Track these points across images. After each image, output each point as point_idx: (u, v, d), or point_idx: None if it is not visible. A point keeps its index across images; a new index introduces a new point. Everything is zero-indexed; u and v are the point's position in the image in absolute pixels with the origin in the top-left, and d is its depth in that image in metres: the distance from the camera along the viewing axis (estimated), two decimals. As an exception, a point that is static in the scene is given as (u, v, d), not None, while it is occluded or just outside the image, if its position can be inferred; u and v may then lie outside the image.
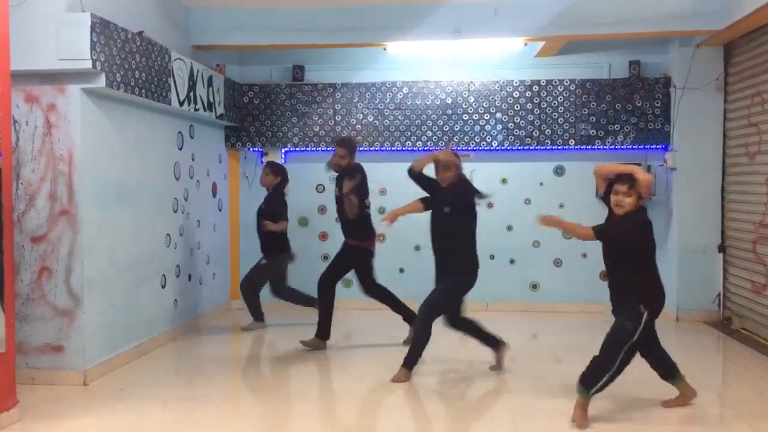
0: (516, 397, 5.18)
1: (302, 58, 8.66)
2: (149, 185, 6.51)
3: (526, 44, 7.87)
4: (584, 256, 8.14)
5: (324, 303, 6.42)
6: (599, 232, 4.49)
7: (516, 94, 8.29)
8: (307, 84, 8.59)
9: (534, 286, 8.50)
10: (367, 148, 8.43)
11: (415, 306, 5.86)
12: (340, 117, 8.51)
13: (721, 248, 7.77)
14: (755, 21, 6.53)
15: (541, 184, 8.48)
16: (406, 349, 5.55)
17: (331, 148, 8.35)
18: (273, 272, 7.33)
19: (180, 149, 7.23)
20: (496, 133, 8.32)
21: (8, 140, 4.67)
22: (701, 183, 7.84)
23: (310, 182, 8.66)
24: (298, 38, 7.59)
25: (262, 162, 8.42)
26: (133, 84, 5.79)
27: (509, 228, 8.51)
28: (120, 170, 5.99)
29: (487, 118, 8.33)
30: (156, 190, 6.66)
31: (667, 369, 4.83)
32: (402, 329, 6.47)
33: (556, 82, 8.25)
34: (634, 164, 5.31)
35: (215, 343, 6.99)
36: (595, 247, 4.89)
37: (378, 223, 6.44)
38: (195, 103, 7.09)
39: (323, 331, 6.40)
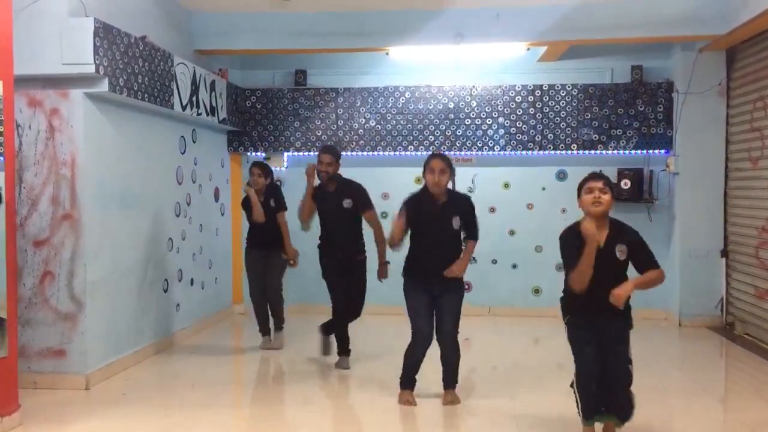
0: (518, 402, 5.16)
1: (305, 63, 8.68)
2: (151, 189, 6.52)
3: (528, 49, 7.88)
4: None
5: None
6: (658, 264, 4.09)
7: (518, 99, 8.30)
8: (309, 89, 8.60)
9: (536, 291, 8.49)
10: (370, 153, 8.44)
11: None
12: (342, 122, 8.52)
13: (724, 253, 7.75)
14: (757, 26, 6.53)
15: (544, 188, 8.47)
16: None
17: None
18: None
19: (182, 153, 7.23)
20: (498, 137, 8.32)
21: (11, 144, 4.68)
22: (704, 188, 7.83)
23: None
24: (300, 43, 7.61)
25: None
26: (135, 88, 5.80)
27: (512, 233, 8.50)
28: (122, 174, 5.99)
29: (489, 122, 8.34)
30: (158, 195, 6.66)
31: None
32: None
33: (558, 86, 8.25)
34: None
35: (217, 348, 6.97)
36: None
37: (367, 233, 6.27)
38: (197, 107, 7.10)
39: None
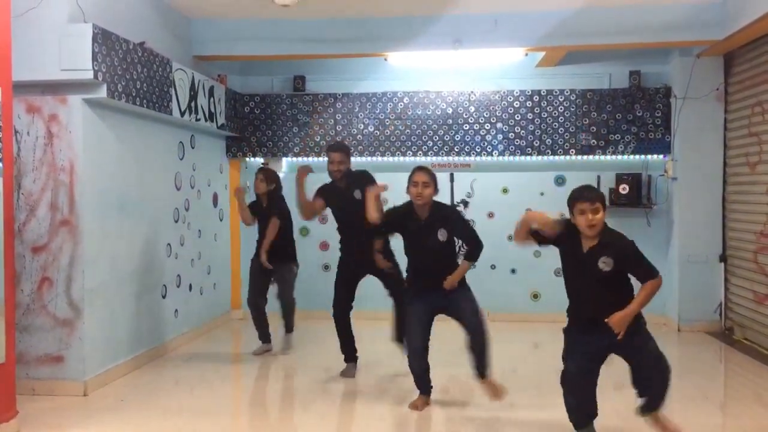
0: (518, 407, 5.15)
1: (303, 69, 8.69)
2: (150, 195, 6.51)
3: (526, 54, 7.89)
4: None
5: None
6: (653, 272, 3.99)
7: (516, 104, 8.31)
8: (308, 94, 8.61)
9: (535, 296, 8.49)
10: (368, 158, 8.45)
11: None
12: (340, 127, 8.53)
13: (723, 258, 7.76)
14: (755, 31, 6.55)
15: (542, 194, 8.47)
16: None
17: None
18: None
19: (181, 159, 7.23)
20: (496, 142, 8.33)
21: (10, 150, 4.67)
22: (702, 193, 7.84)
23: (311, 192, 8.62)
24: (299, 49, 7.61)
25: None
26: (134, 94, 5.80)
27: (510, 238, 8.47)
28: (121, 180, 5.99)
29: (487, 128, 8.34)
30: (157, 200, 6.66)
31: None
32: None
33: (556, 92, 8.27)
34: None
35: (216, 354, 6.96)
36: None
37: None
38: (196, 113, 7.11)
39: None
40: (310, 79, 8.72)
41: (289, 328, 6.91)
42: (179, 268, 7.14)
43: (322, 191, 6.03)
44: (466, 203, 8.50)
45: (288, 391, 5.76)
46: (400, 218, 5.15)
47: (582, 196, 3.95)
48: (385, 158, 8.49)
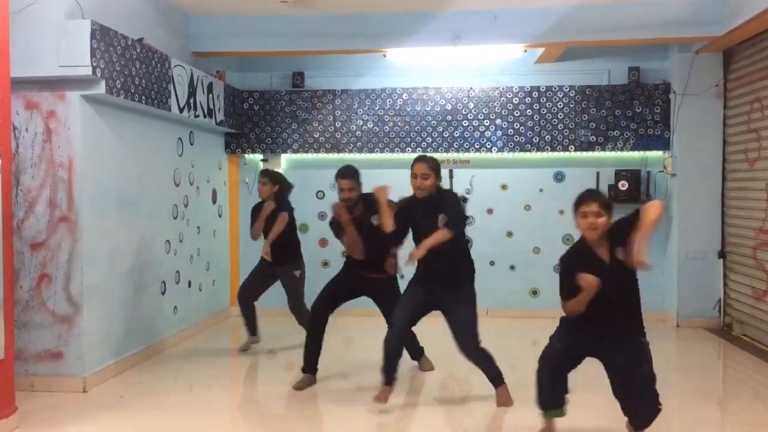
0: (517, 403, 5.15)
1: (302, 65, 8.68)
2: (149, 192, 6.51)
3: (525, 51, 7.88)
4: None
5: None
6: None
7: (516, 101, 8.30)
8: (306, 90, 8.60)
9: (534, 293, 8.50)
10: (367, 155, 8.45)
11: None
12: (339, 123, 8.52)
13: (722, 254, 7.76)
14: (754, 27, 6.54)
15: (541, 190, 8.48)
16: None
17: (330, 154, 8.42)
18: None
19: (180, 156, 7.23)
20: (495, 139, 8.33)
21: (8, 147, 4.67)
22: (701, 189, 7.84)
23: (310, 189, 8.66)
24: (297, 45, 7.60)
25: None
26: (133, 90, 5.80)
27: (509, 234, 8.50)
28: (120, 177, 5.99)
29: (486, 124, 8.34)
30: (156, 197, 6.66)
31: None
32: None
33: (555, 88, 8.26)
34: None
35: (215, 350, 6.97)
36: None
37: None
38: (195, 109, 7.10)
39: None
40: (309, 75, 8.71)
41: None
42: (178, 265, 7.14)
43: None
44: (465, 200, 8.48)
45: (287, 388, 5.75)
46: (406, 212, 5.01)
47: (586, 199, 4.00)
48: (384, 154, 8.49)
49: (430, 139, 8.40)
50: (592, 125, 8.22)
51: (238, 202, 8.80)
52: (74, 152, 5.38)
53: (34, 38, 5.16)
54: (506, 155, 8.39)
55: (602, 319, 3.97)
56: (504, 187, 8.53)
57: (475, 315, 5.01)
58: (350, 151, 8.48)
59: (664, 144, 8.11)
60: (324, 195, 8.65)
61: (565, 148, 8.25)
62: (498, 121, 8.32)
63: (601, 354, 4.09)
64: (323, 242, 8.65)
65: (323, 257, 8.58)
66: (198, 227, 7.67)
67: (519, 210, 8.50)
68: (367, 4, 7.19)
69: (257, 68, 8.80)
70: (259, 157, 8.72)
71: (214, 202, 8.25)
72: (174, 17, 7.21)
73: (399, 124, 8.45)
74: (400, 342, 5.06)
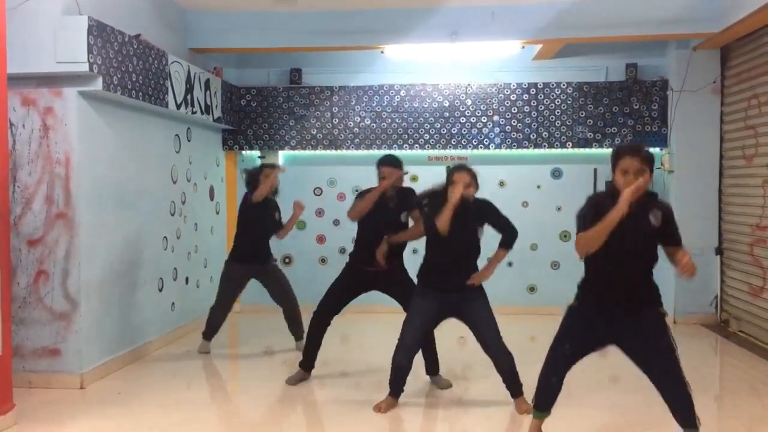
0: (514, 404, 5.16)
1: (300, 62, 8.67)
2: (146, 188, 6.50)
3: (523, 47, 7.88)
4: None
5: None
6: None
7: (513, 97, 8.30)
8: (304, 87, 8.59)
9: (532, 289, 8.51)
10: (365, 151, 8.44)
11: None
12: (337, 120, 8.51)
13: (719, 251, 7.77)
14: (751, 24, 6.54)
15: (539, 186, 8.48)
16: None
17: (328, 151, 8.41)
18: None
19: (177, 152, 7.22)
20: (493, 135, 8.33)
21: (5, 143, 4.65)
22: (698, 186, 7.85)
23: (308, 185, 8.66)
24: (295, 41, 7.59)
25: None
26: (130, 87, 5.78)
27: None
28: (117, 173, 5.98)
29: (484, 120, 8.34)
30: (153, 193, 6.65)
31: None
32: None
33: (553, 84, 8.26)
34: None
35: (213, 347, 6.95)
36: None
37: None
38: (192, 106, 7.09)
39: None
40: (307, 71, 8.70)
41: (299, 334, 6.47)
42: (176, 262, 7.13)
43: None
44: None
45: (285, 385, 5.75)
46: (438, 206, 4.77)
47: (628, 151, 3.67)
48: (382, 151, 8.44)
49: (427, 136, 8.39)
50: (589, 122, 8.22)
51: (236, 199, 8.76)
52: (71, 149, 5.37)
53: (31, 34, 5.14)
54: (504, 152, 8.40)
55: (621, 284, 3.72)
56: (502, 183, 8.54)
57: (491, 311, 4.87)
58: (348, 148, 8.48)
59: (662, 141, 8.12)
60: (321, 192, 8.65)
61: (563, 145, 8.26)
62: (495, 118, 8.32)
63: (618, 338, 3.85)
64: (321, 239, 8.65)
65: (321, 254, 8.59)
66: (195, 224, 7.66)
67: (517, 207, 8.49)
68: (365, 1, 7.18)
69: (255, 65, 8.79)
70: (256, 153, 8.71)
71: (212, 198, 8.24)
72: (171, 13, 7.19)
73: (397, 120, 8.44)
74: (409, 358, 4.88)
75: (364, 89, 8.47)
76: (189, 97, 7.00)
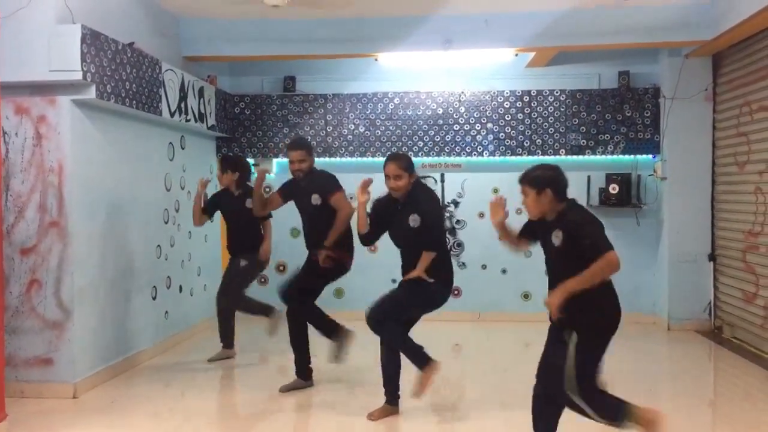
0: (509, 406, 5.16)
1: (293, 69, 8.68)
2: (140, 196, 6.49)
3: (516, 55, 7.92)
4: (576, 265, 8.16)
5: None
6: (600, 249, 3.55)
7: (507, 105, 8.33)
8: (298, 95, 8.60)
9: (526, 296, 8.51)
10: (359, 159, 8.45)
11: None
12: (331, 127, 8.52)
13: (712, 257, 7.80)
14: (743, 31, 6.59)
15: (533, 193, 8.48)
16: None
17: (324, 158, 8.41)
18: (254, 276, 6.71)
19: (171, 160, 7.21)
20: (487, 143, 8.35)
21: (-2, 152, 4.65)
22: (691, 192, 7.88)
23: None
24: (289, 49, 7.60)
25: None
26: (123, 95, 5.78)
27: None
28: (110, 181, 5.96)
29: (478, 128, 8.36)
30: (147, 201, 6.63)
31: None
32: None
33: (546, 92, 8.29)
34: None
35: (207, 355, 6.93)
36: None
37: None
38: (186, 114, 7.09)
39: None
40: (301, 79, 8.71)
41: (223, 340, 6.65)
42: (169, 270, 7.11)
43: (285, 187, 5.75)
44: (456, 204, 8.51)
45: (279, 392, 5.73)
46: (383, 213, 4.96)
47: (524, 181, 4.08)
48: (376, 159, 8.47)
49: (421, 143, 8.41)
50: (582, 129, 8.25)
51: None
52: (64, 157, 5.36)
53: (25, 42, 5.13)
54: (497, 159, 8.42)
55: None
56: (495, 190, 8.52)
57: (406, 303, 4.85)
58: (342, 156, 8.49)
59: (654, 148, 8.15)
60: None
61: (556, 152, 8.28)
62: (489, 125, 8.34)
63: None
64: (315, 246, 8.63)
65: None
66: (189, 232, 7.64)
67: (511, 214, 8.38)
68: (359, 9, 7.20)
69: (249, 72, 8.79)
70: (250, 161, 8.69)
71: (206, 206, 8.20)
72: (165, 21, 7.20)
73: (390, 128, 8.46)
74: (395, 353, 4.91)
75: (357, 97, 8.48)
76: (183, 105, 7.00)
